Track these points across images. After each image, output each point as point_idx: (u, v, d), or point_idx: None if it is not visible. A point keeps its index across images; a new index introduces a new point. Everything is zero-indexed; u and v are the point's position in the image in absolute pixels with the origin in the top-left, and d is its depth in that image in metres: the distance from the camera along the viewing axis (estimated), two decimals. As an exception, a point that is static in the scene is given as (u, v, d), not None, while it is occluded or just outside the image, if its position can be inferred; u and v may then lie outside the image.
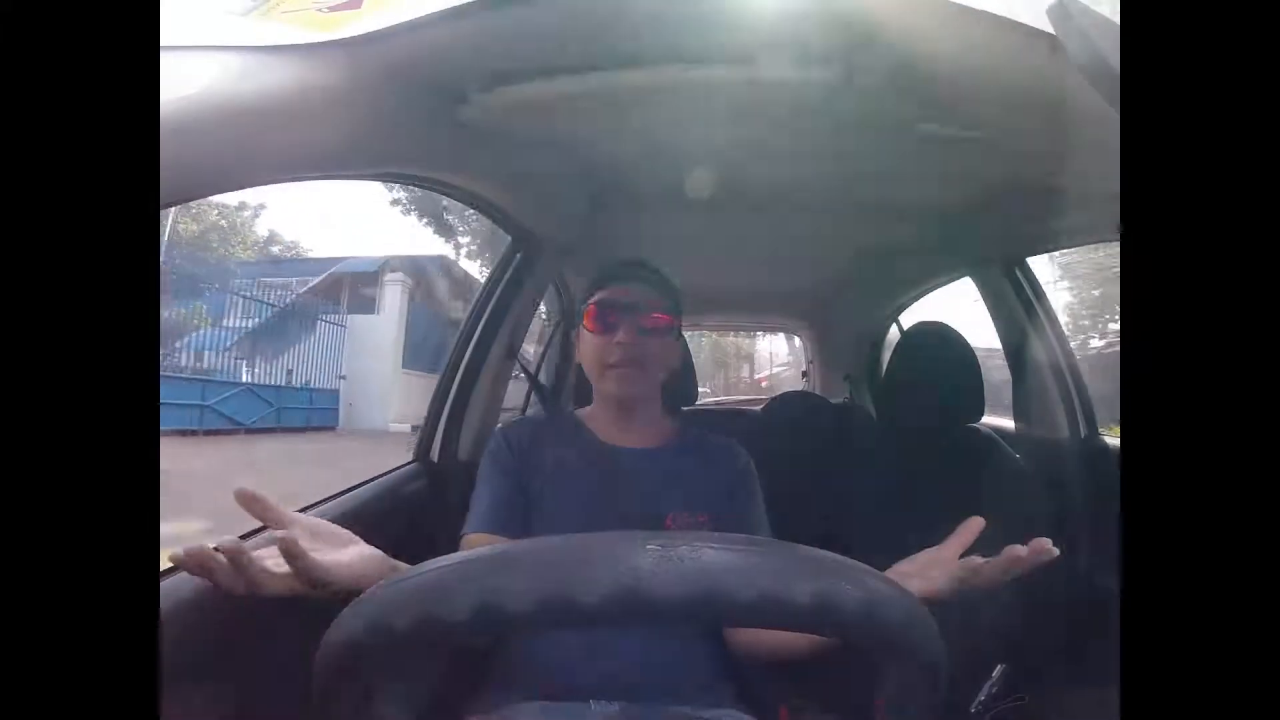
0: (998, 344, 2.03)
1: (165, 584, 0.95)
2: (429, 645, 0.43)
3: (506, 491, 1.24)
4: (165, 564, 0.71)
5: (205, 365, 11.01)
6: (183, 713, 0.70)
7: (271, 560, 0.69)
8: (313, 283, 14.10)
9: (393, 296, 13.78)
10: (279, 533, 0.66)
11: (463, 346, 1.90)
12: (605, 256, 1.40)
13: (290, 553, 0.66)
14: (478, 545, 1.13)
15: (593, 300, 1.27)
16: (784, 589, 0.41)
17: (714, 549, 0.42)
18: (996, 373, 1.98)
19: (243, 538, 1.13)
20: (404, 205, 14.83)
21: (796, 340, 4.85)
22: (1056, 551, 0.79)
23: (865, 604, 0.43)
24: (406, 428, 10.75)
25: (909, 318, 3.19)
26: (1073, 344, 1.96)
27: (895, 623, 0.44)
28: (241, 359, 11.75)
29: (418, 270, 14.35)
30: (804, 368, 4.55)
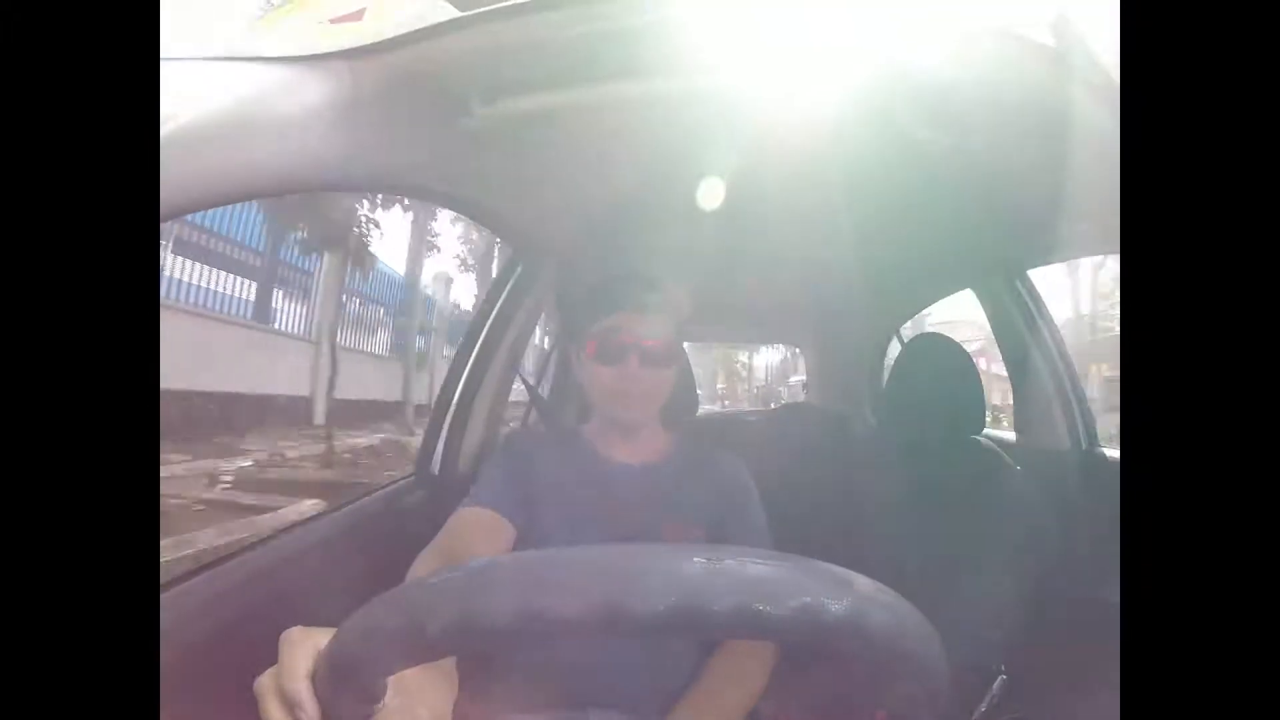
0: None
1: (165, 585, 0.95)
2: (469, 648, 0.43)
3: (516, 477, 1.25)
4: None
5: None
6: (183, 714, 0.70)
7: None
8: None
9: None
10: None
11: (464, 358, 1.90)
12: (607, 269, 1.40)
13: None
14: (471, 520, 1.17)
15: (596, 330, 1.27)
16: (820, 601, 0.41)
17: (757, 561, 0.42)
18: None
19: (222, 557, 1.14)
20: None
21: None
22: None
23: (857, 613, 0.43)
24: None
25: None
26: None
27: (893, 633, 0.44)
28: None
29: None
30: (804, 379, 4.56)
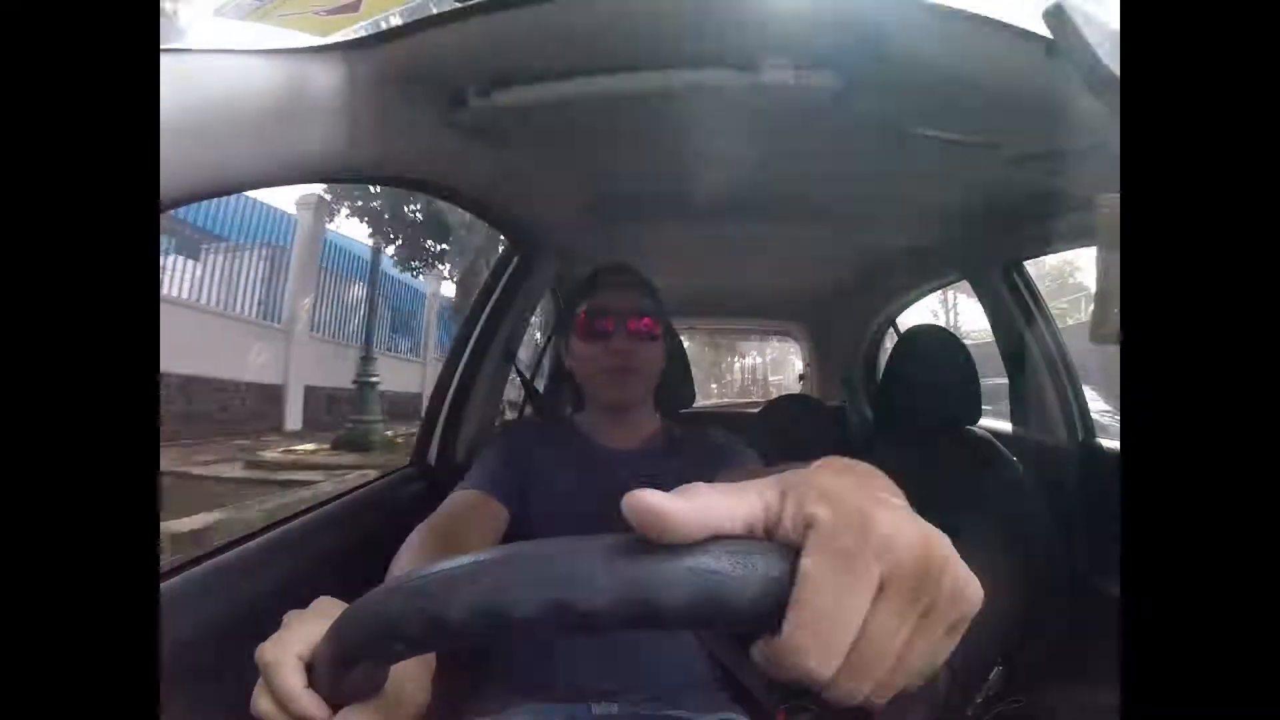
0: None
1: (165, 584, 0.95)
2: (490, 637, 0.42)
3: (511, 464, 1.27)
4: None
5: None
6: (183, 713, 0.70)
7: None
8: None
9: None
10: None
11: (460, 349, 1.91)
12: (602, 261, 1.41)
13: None
14: (465, 502, 1.17)
15: (581, 309, 1.29)
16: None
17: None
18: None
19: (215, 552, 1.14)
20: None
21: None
22: None
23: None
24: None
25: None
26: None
27: None
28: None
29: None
30: (801, 370, 4.56)
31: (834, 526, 0.38)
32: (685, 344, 2.16)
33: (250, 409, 9.74)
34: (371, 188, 12.91)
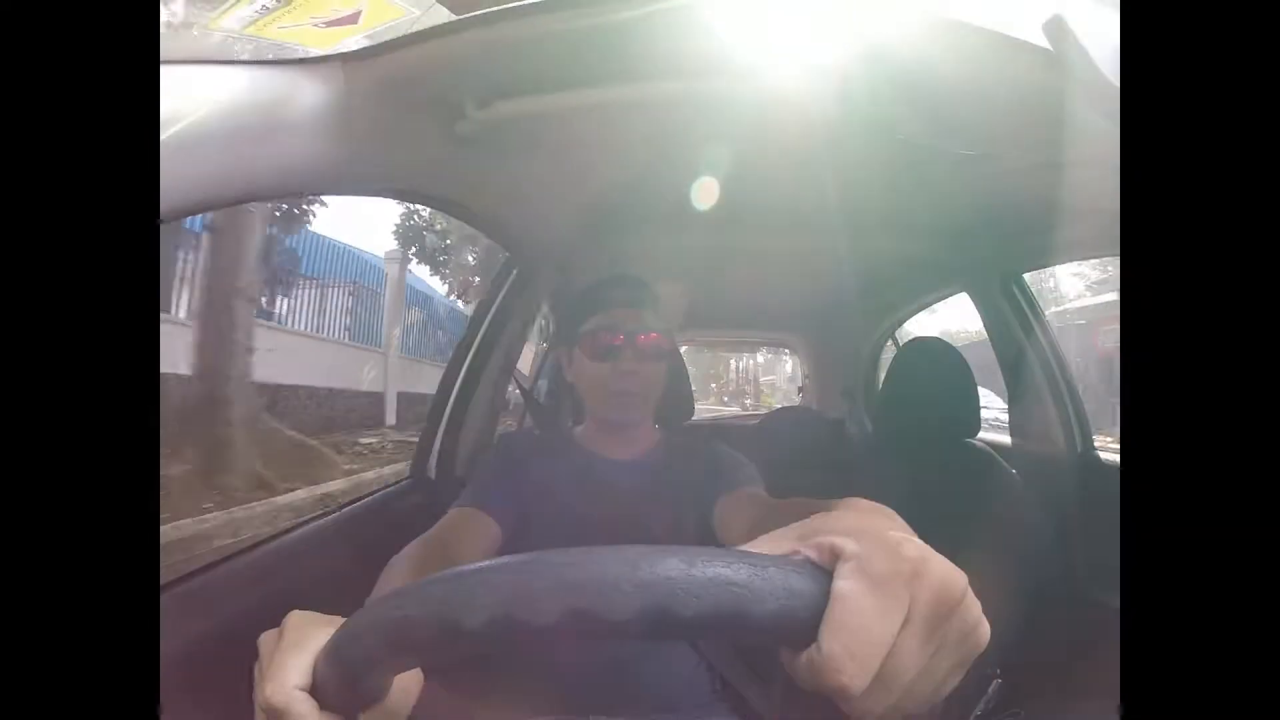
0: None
1: (164, 593, 0.95)
2: (505, 645, 0.42)
3: (506, 478, 1.26)
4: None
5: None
6: (183, 714, 0.69)
7: None
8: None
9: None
10: None
11: (460, 361, 1.90)
12: (601, 272, 1.40)
13: None
14: (457, 519, 1.16)
15: (588, 327, 1.28)
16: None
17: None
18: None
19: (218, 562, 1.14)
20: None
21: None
22: None
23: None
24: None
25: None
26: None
27: None
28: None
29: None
30: (800, 383, 4.57)
31: (865, 553, 0.41)
32: (684, 348, 2.15)
33: (360, 411, 12.75)
34: (431, 240, 16.56)
